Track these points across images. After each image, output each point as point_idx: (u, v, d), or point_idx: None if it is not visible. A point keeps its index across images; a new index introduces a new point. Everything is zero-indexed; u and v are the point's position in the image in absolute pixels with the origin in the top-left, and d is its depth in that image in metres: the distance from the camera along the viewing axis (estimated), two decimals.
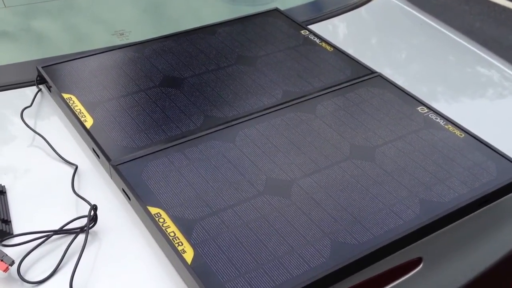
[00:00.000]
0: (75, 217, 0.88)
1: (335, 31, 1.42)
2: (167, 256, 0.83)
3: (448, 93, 1.21)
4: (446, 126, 1.03)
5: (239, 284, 0.75)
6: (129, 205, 0.92)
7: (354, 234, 0.82)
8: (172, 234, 0.82)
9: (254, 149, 0.98)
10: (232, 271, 0.77)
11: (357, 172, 0.93)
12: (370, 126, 1.03)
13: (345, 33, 1.42)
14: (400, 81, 1.20)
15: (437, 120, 1.05)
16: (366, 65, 1.21)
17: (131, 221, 0.89)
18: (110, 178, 0.96)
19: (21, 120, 1.07)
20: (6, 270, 0.78)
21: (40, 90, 1.15)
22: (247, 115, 1.06)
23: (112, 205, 0.92)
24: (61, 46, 1.28)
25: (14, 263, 0.79)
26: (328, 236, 0.82)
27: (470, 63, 1.32)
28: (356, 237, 0.82)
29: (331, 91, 1.13)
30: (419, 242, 0.86)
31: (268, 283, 0.76)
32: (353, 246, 0.80)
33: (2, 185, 0.93)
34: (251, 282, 0.76)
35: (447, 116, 1.05)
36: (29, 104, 1.11)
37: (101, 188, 0.95)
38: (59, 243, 0.85)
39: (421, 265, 0.86)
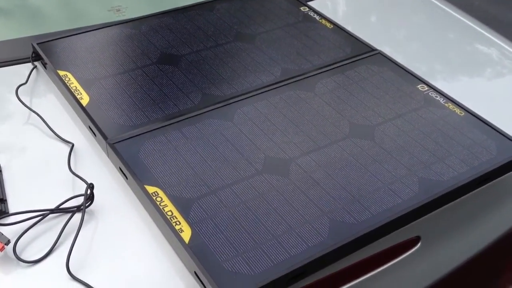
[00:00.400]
0: (72, 195, 0.87)
1: (334, 8, 1.40)
2: (165, 235, 0.82)
3: (447, 71, 1.19)
4: (446, 105, 1.02)
5: (237, 264, 0.75)
6: (126, 184, 0.91)
7: (352, 213, 0.82)
8: (169, 213, 0.82)
9: (253, 128, 0.97)
10: (230, 251, 0.77)
11: (356, 150, 0.92)
12: (369, 105, 1.02)
13: (344, 10, 1.40)
14: (398, 59, 1.18)
15: (437, 98, 1.04)
16: (366, 42, 1.19)
17: (128, 200, 0.89)
18: (107, 157, 0.95)
19: (16, 98, 1.05)
20: (1, 249, 0.78)
21: (35, 67, 1.14)
22: (245, 93, 1.05)
23: (109, 184, 0.91)
24: (57, 23, 1.26)
25: (9, 242, 0.79)
26: (326, 215, 0.81)
27: (470, 40, 1.30)
28: (354, 216, 0.81)
29: (330, 69, 1.11)
30: (417, 221, 0.85)
31: (267, 262, 0.75)
32: (351, 225, 0.80)
33: None
34: (249, 261, 0.75)
35: (447, 94, 1.04)
36: (24, 81, 1.09)
37: (98, 166, 0.94)
38: (55, 222, 0.85)
39: (419, 244, 0.86)
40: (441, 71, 1.19)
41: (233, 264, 0.75)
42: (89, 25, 1.25)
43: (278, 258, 0.76)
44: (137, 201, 0.88)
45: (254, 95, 1.04)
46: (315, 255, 0.76)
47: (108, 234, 0.83)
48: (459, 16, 1.39)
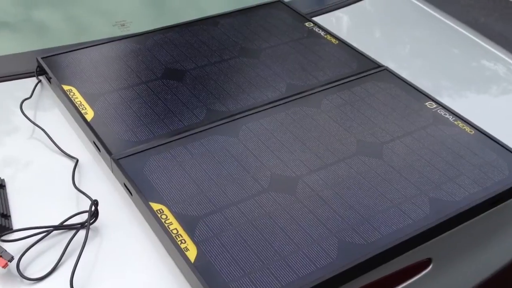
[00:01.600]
0: (76, 212, 0.86)
1: (339, 23, 1.40)
2: (170, 253, 0.81)
3: (452, 88, 1.18)
4: (455, 122, 1.01)
5: (244, 284, 0.73)
6: (130, 200, 0.90)
7: (361, 233, 0.80)
8: (174, 231, 0.80)
9: (258, 144, 0.96)
10: (237, 271, 0.75)
11: (364, 168, 0.91)
12: (377, 122, 1.01)
13: (348, 26, 1.39)
14: (403, 75, 1.17)
15: (446, 116, 1.03)
16: (372, 58, 1.18)
17: (132, 216, 0.87)
18: (111, 172, 0.94)
19: (20, 112, 1.04)
20: (5, 266, 0.76)
21: (40, 81, 1.13)
22: (250, 109, 1.04)
23: (113, 200, 0.90)
24: (62, 37, 1.25)
25: (13, 259, 0.77)
26: (335, 235, 0.80)
27: (476, 56, 1.29)
28: (364, 236, 0.80)
29: (336, 85, 1.10)
30: (428, 242, 0.84)
31: (274, 283, 0.74)
32: (361, 246, 0.78)
33: (2, 178, 0.91)
34: (256, 282, 0.74)
35: (456, 112, 1.03)
36: (29, 96, 1.08)
37: (102, 182, 0.93)
38: (59, 239, 0.83)
39: (430, 266, 0.84)
40: (447, 87, 1.18)
41: (240, 285, 0.73)
42: (93, 39, 1.24)
43: (285, 279, 0.74)
44: (142, 218, 0.87)
45: (259, 111, 1.03)
46: (324, 277, 0.74)
47: (112, 251, 0.82)
48: (464, 32, 1.38)
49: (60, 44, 1.22)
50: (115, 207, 0.88)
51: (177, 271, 0.80)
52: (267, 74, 1.13)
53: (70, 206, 0.88)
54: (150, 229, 0.85)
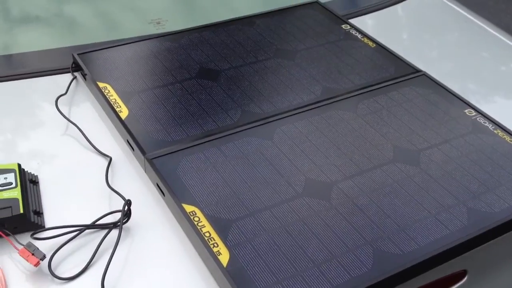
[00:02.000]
0: (108, 211, 0.86)
1: (373, 26, 1.37)
2: (201, 256, 0.80)
3: (480, 92, 1.15)
4: (495, 131, 0.98)
5: None
6: (162, 201, 0.89)
7: (397, 243, 0.79)
8: (207, 234, 0.79)
9: (293, 148, 0.94)
10: (270, 277, 0.74)
11: (401, 176, 0.89)
12: (414, 128, 0.99)
13: (382, 29, 1.37)
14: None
15: (485, 124, 1.00)
16: (410, 63, 1.16)
17: (164, 217, 0.87)
18: (144, 172, 0.94)
19: (55, 108, 1.05)
20: (37, 264, 0.76)
21: (75, 77, 1.13)
22: (285, 112, 1.02)
23: (145, 200, 0.89)
24: (95, 34, 1.25)
25: (45, 257, 0.77)
26: (370, 244, 0.78)
27: (505, 60, 1.25)
28: (400, 246, 0.78)
29: (373, 89, 1.08)
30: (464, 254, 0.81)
31: None
32: (397, 255, 0.77)
33: (35, 174, 0.91)
34: None
35: (496, 120, 1.00)
36: (64, 92, 1.08)
37: (134, 181, 0.92)
38: (91, 238, 0.83)
39: (465, 278, 0.82)
40: (474, 91, 1.15)
41: None
42: (128, 37, 1.24)
43: None
44: (174, 219, 0.86)
45: (294, 114, 1.02)
46: (359, 287, 0.73)
47: (144, 252, 0.81)
48: (495, 33, 1.34)
49: (92, 41, 1.22)
50: (147, 207, 0.88)
51: (207, 274, 0.79)
52: (303, 76, 1.12)
53: (102, 205, 0.88)
54: (182, 231, 0.84)
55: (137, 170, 0.95)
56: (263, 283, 0.73)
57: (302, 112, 1.02)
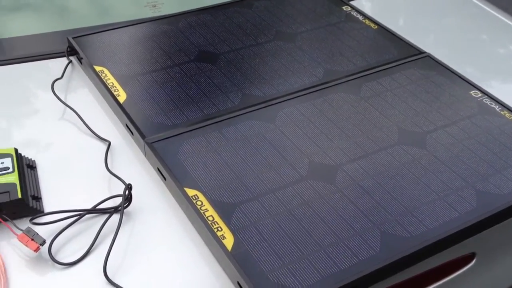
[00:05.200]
0: (108, 195, 0.83)
1: (372, 9, 1.35)
2: (205, 241, 0.78)
3: (478, 76, 1.13)
4: (502, 112, 0.97)
5: (282, 275, 0.71)
6: (163, 185, 0.87)
7: (405, 225, 0.77)
8: (210, 218, 0.77)
9: (296, 131, 0.92)
10: (275, 261, 0.72)
11: (407, 158, 0.88)
12: (419, 110, 0.97)
13: (380, 11, 1.34)
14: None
15: (492, 106, 0.98)
16: (414, 44, 1.14)
17: (166, 201, 0.85)
18: (143, 156, 0.92)
19: (52, 93, 1.02)
20: (37, 250, 0.74)
21: (70, 61, 1.10)
22: (287, 94, 1.00)
23: (146, 184, 0.87)
24: (88, 18, 1.22)
25: (45, 242, 0.75)
26: (377, 227, 0.77)
27: (505, 42, 1.23)
28: (408, 229, 0.76)
29: (376, 71, 1.06)
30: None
31: (314, 275, 0.71)
32: (405, 238, 0.75)
33: (33, 159, 0.89)
34: (295, 273, 0.71)
35: (502, 102, 0.99)
36: (59, 76, 1.06)
37: (134, 166, 0.90)
38: (92, 223, 0.81)
39: (474, 261, 0.81)
40: (472, 74, 1.13)
41: (278, 276, 0.71)
42: (123, 20, 1.21)
43: (326, 271, 0.71)
44: (175, 203, 0.84)
45: (296, 97, 1.00)
46: (367, 270, 0.71)
47: (145, 237, 0.79)
48: (495, 13, 1.32)
49: (87, 25, 1.19)
50: (147, 192, 0.86)
51: (211, 258, 0.77)
52: (304, 58, 1.10)
53: (101, 190, 0.86)
54: (184, 215, 0.83)
55: (137, 154, 0.92)
56: (268, 266, 0.71)
57: (305, 94, 1.00)
